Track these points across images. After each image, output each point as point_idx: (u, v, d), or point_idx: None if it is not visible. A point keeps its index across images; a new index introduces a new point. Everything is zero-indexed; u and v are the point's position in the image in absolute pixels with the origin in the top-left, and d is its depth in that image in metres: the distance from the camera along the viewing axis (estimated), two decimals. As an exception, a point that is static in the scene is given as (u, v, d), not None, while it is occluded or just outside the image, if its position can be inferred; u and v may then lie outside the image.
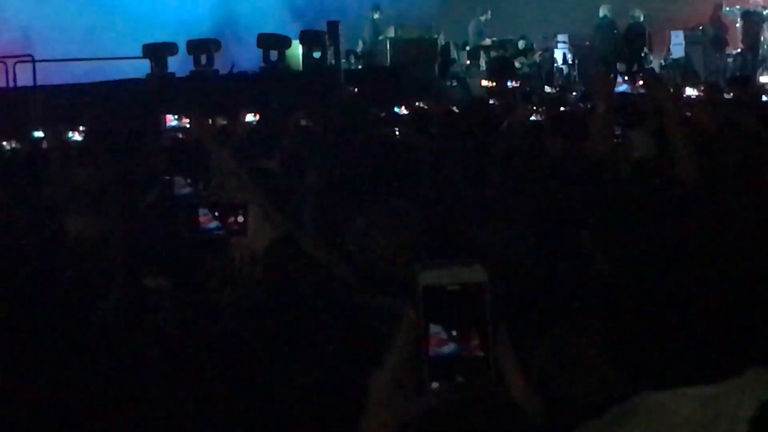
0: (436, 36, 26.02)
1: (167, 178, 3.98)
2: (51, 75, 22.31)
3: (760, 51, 27.31)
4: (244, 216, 3.67)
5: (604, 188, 5.38)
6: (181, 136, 9.64)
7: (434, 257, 1.91)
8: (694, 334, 3.51)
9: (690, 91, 15.83)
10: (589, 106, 8.03)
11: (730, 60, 26.71)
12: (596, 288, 3.89)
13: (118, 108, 17.52)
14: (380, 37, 26.28)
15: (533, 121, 9.94)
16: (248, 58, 24.37)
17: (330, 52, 23.71)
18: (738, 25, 27.26)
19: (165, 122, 9.85)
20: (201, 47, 23.13)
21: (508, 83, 22.11)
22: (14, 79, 21.61)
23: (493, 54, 26.42)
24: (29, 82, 21.25)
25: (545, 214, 5.00)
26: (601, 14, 26.70)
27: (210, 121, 10.53)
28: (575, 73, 26.95)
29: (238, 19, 27.18)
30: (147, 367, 3.91)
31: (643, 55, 26.45)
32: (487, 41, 27.13)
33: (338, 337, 3.58)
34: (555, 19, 28.41)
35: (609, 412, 1.85)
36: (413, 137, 9.09)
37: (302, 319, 3.77)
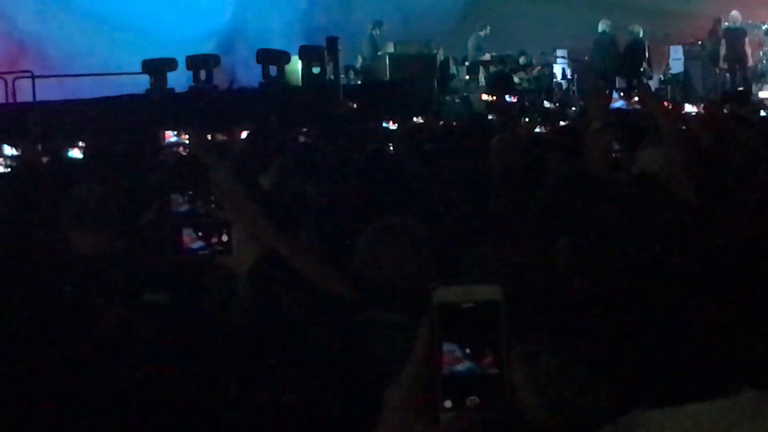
0: (435, 51, 26.04)
1: (166, 194, 3.98)
2: (50, 91, 22.34)
3: (759, 66, 27.37)
4: (228, 235, 3.67)
5: (601, 204, 5.40)
6: (181, 151, 9.66)
7: (436, 275, 1.92)
8: (690, 351, 3.52)
9: (689, 108, 15.87)
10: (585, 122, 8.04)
11: (727, 75, 26.73)
12: (588, 306, 3.90)
13: (117, 124, 17.54)
14: (379, 53, 26.31)
15: (532, 136, 9.96)
16: (247, 73, 24.46)
17: (329, 68, 23.75)
18: (746, 40, 27.29)
19: (164, 138, 9.86)
20: (200, 63, 23.16)
21: (507, 98, 22.16)
22: (13, 95, 21.63)
23: (492, 69, 26.45)
24: (29, 98, 21.27)
25: (541, 232, 5.01)
26: (600, 29, 26.72)
27: (209, 136, 10.56)
28: (574, 88, 26.98)
29: (237, 35, 27.25)
30: (142, 380, 3.92)
31: (642, 70, 26.46)
32: (487, 56, 27.15)
33: (331, 354, 3.58)
34: (554, 34, 28.45)
35: (603, 429, 1.86)
36: (407, 154, 9.11)
37: (290, 337, 3.78)
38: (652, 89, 24.77)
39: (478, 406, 1.76)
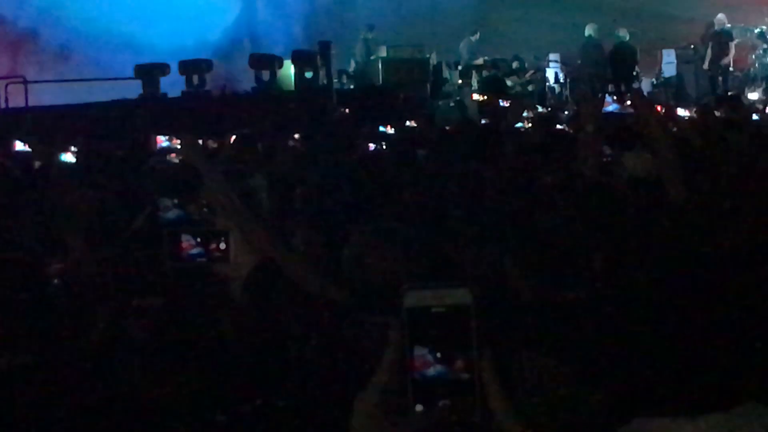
0: (428, 56, 26.05)
1: (156, 200, 3.99)
2: (42, 96, 22.33)
3: (751, 69, 27.39)
4: (225, 242, 3.67)
5: (594, 208, 5.39)
6: (173, 157, 9.64)
7: (424, 277, 1.91)
8: (683, 359, 3.51)
9: (682, 112, 15.86)
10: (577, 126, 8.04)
11: (719, 79, 26.72)
12: (586, 311, 3.89)
13: (110, 129, 17.51)
14: (372, 57, 26.32)
15: (525, 139, 9.95)
16: (240, 78, 24.46)
17: (322, 72, 23.74)
18: (731, 43, 27.32)
19: (155, 143, 9.85)
20: (193, 68, 23.14)
21: (500, 102, 22.15)
22: (6, 101, 21.60)
23: (485, 73, 26.45)
24: (21, 104, 21.25)
25: (535, 236, 5.01)
26: (586, 34, 26.70)
27: (201, 141, 10.54)
28: (567, 92, 26.98)
29: (229, 40, 27.26)
30: (133, 385, 3.91)
31: (635, 74, 26.45)
32: (480, 60, 27.16)
33: (325, 359, 3.58)
34: (547, 38, 28.47)
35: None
36: (401, 157, 9.10)
37: (286, 343, 3.77)
38: (644, 93, 24.78)
39: (449, 410, 1.76)
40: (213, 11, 27.85)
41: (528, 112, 17.00)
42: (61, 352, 4.19)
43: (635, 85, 25.69)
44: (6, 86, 21.60)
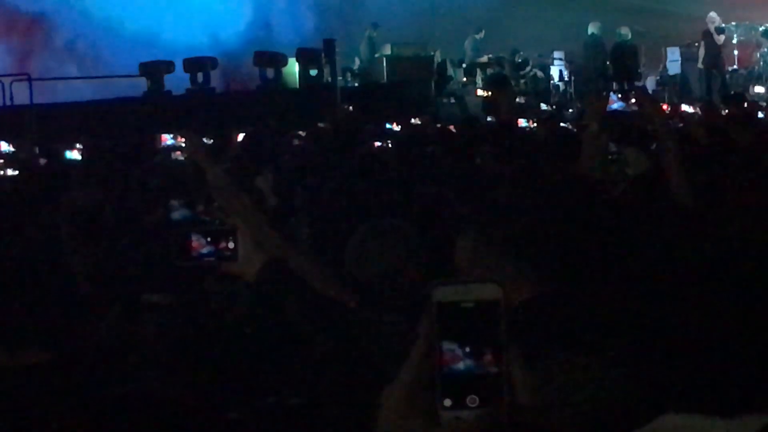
0: (432, 53, 26.07)
1: (167, 199, 4.00)
2: (47, 93, 22.37)
3: (756, 67, 27.37)
4: (234, 241, 3.68)
5: (597, 206, 5.40)
6: (178, 155, 9.66)
7: (427, 275, 1.92)
8: (694, 355, 3.53)
9: (686, 108, 15.87)
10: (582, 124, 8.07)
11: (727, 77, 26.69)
12: (598, 309, 3.91)
13: (115, 127, 17.54)
14: (377, 55, 26.33)
15: (529, 135, 9.97)
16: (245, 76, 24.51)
17: (326, 70, 23.75)
18: (734, 41, 27.31)
19: (160, 141, 9.87)
20: (197, 65, 23.14)
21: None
22: (11, 98, 21.63)
23: (489, 71, 26.46)
24: (26, 101, 21.28)
25: (538, 233, 5.01)
26: (589, 32, 26.69)
27: (205, 139, 10.57)
28: (571, 90, 26.98)
29: (234, 38, 27.27)
30: (142, 381, 3.93)
31: (639, 72, 26.44)
32: (484, 58, 27.17)
33: (336, 357, 3.59)
34: (552, 36, 28.47)
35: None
36: (407, 154, 9.12)
37: (297, 341, 3.79)
38: (648, 91, 24.78)
39: (477, 405, 1.77)
40: (226, 12, 27.87)
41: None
42: (69, 349, 4.21)
43: (639, 83, 25.68)
44: (11, 83, 21.61)
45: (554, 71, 27.90)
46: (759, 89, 25.34)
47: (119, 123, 18.41)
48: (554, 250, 4.48)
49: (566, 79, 27.59)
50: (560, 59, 28.08)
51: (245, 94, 23.31)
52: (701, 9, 27.36)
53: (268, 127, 13.51)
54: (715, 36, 26.13)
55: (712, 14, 26.37)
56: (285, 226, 6.17)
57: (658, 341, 3.46)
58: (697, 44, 27.45)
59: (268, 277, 3.68)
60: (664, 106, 10.80)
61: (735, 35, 27.41)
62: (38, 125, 18.97)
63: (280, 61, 23.57)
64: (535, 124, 13.89)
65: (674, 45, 28.11)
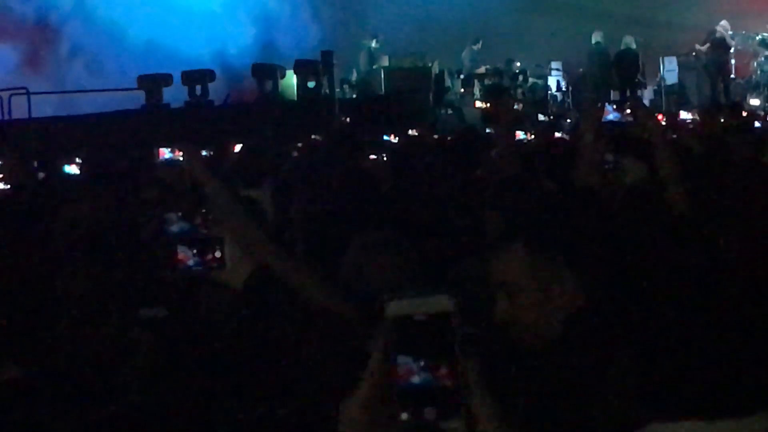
0: (430, 64, 26.06)
1: (163, 212, 4.00)
2: (46, 107, 22.37)
3: (753, 76, 27.38)
4: (221, 251, 3.69)
5: (593, 216, 5.41)
6: (176, 168, 9.62)
7: (423, 286, 1.91)
8: (688, 362, 3.53)
9: (685, 115, 15.85)
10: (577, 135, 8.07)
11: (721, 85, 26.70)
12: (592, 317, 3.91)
13: (114, 140, 17.53)
14: (375, 66, 26.33)
15: (525, 147, 9.96)
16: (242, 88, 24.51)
17: (324, 82, 23.76)
18: (732, 50, 27.31)
19: (159, 155, 9.85)
20: (196, 78, 23.13)
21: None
22: (9, 112, 21.62)
23: (487, 82, 26.46)
24: (24, 115, 21.28)
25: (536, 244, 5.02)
26: (593, 41, 26.73)
27: (204, 152, 10.56)
28: (569, 100, 26.98)
29: (233, 49, 27.29)
30: (132, 397, 3.94)
31: (636, 81, 26.46)
32: (482, 69, 27.17)
33: (324, 368, 3.59)
34: (549, 46, 28.47)
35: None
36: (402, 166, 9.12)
37: (284, 351, 3.78)
38: (647, 100, 24.78)
39: (435, 417, 1.77)
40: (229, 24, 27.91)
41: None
42: (63, 362, 4.21)
43: (638, 93, 25.69)
44: (9, 97, 21.61)
45: (552, 81, 27.91)
46: (754, 102, 25.34)
47: (117, 136, 18.40)
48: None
49: (564, 89, 27.59)
50: (558, 69, 28.10)
51: (243, 107, 23.29)
52: (698, 18, 27.37)
53: (266, 140, 13.51)
54: (728, 40, 26.18)
55: (724, 23, 26.41)
56: (283, 239, 6.17)
57: (650, 348, 3.47)
58: (695, 53, 27.45)
59: (256, 286, 3.69)
60: (660, 116, 10.78)
61: (732, 44, 27.40)
62: (37, 139, 18.96)
63: (277, 73, 23.57)
64: (533, 136, 13.88)
65: (671, 54, 28.10)
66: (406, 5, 29.50)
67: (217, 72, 23.89)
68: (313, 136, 14.12)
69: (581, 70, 27.23)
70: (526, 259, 3.61)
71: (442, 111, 25.48)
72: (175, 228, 3.76)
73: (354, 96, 26.13)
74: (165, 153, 9.72)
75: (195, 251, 3.70)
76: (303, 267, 4.58)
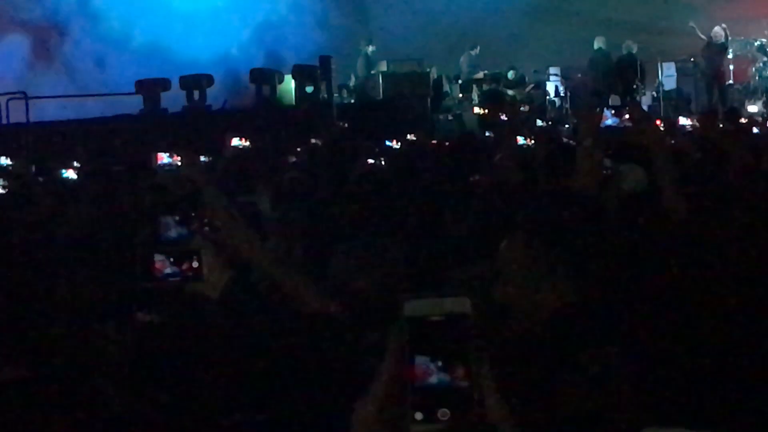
0: (428, 70, 26.07)
1: (158, 216, 3.99)
2: (43, 112, 22.40)
3: (751, 82, 27.41)
4: (198, 260, 3.68)
5: (591, 222, 5.41)
6: (173, 173, 9.63)
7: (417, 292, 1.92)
8: (684, 367, 3.53)
9: (684, 121, 15.86)
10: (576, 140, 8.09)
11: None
12: (588, 322, 3.91)
13: (111, 145, 17.53)
14: (372, 71, 26.34)
15: (523, 153, 9.95)
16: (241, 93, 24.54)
17: (322, 87, 23.77)
18: (730, 56, 27.34)
19: (156, 160, 9.86)
20: (194, 83, 23.16)
21: (501, 116, 22.15)
22: (6, 117, 21.64)
23: (485, 87, 26.48)
24: (22, 119, 21.30)
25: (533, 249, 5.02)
26: (595, 46, 26.75)
27: (201, 157, 10.58)
28: (567, 106, 26.99)
29: (230, 55, 27.31)
30: (137, 402, 3.92)
31: (635, 87, 26.48)
32: (480, 74, 27.19)
33: (308, 373, 3.59)
34: (547, 52, 28.50)
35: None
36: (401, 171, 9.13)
37: (264, 357, 3.78)
38: (645, 106, 24.79)
39: (448, 418, 1.77)
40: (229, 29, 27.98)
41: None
42: (56, 366, 4.20)
43: (637, 98, 25.71)
44: (7, 101, 21.63)
45: (550, 87, 27.93)
46: (752, 108, 25.36)
47: (115, 141, 18.40)
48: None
49: (562, 94, 27.61)
50: (556, 75, 28.11)
51: (241, 112, 23.30)
52: (697, 24, 27.37)
53: (264, 144, 13.51)
54: (724, 41, 26.23)
55: (717, 29, 26.42)
56: (280, 243, 6.17)
57: (647, 353, 3.46)
58: (693, 59, 27.48)
59: (232, 295, 3.70)
60: (658, 122, 10.81)
61: (730, 50, 27.42)
62: (34, 144, 18.98)
63: (276, 78, 23.59)
64: (533, 141, 13.88)
65: (669, 60, 28.12)
66: (405, 11, 29.51)
67: (217, 77, 23.91)
68: (313, 141, 14.13)
69: (579, 75, 27.24)
70: (524, 249, 3.76)
71: (441, 116, 25.48)
72: (171, 233, 3.76)
73: (352, 101, 26.15)
74: (163, 158, 9.74)
75: (172, 260, 3.69)
76: (298, 270, 4.58)
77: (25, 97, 21.68)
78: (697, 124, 14.41)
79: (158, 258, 3.70)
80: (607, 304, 4.00)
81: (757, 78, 27.35)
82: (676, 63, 27.96)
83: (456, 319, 1.79)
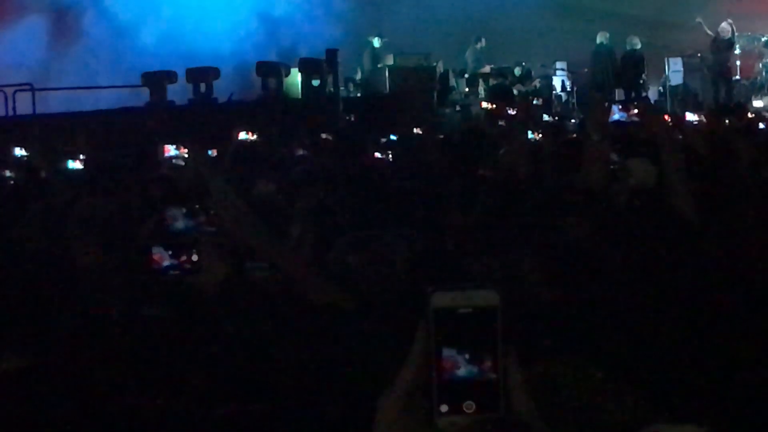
0: (434, 64, 26.06)
1: (164, 209, 3.98)
2: (50, 103, 22.43)
3: (758, 78, 27.39)
4: (197, 253, 3.67)
5: (598, 217, 5.40)
6: (181, 164, 9.64)
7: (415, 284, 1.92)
8: (689, 365, 3.53)
9: (691, 117, 15.82)
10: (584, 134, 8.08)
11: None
12: (589, 319, 3.90)
13: (118, 137, 17.55)
14: (379, 65, 26.32)
15: (531, 147, 9.94)
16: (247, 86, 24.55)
17: (329, 80, 23.76)
18: (737, 51, 27.31)
19: (163, 152, 9.86)
20: (200, 75, 23.15)
21: (507, 110, 22.12)
22: (14, 108, 21.65)
23: (491, 81, 26.47)
24: (28, 111, 21.31)
25: (539, 245, 5.02)
26: (597, 41, 26.72)
27: (208, 150, 10.57)
28: (574, 100, 26.98)
29: (238, 47, 27.32)
30: (141, 393, 3.92)
31: (641, 82, 26.46)
32: (486, 68, 27.18)
33: (342, 360, 3.59)
34: (553, 46, 28.49)
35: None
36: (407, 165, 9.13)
37: (263, 350, 3.78)
38: (651, 101, 24.79)
39: (474, 411, 1.77)
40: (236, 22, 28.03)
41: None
42: (62, 355, 4.21)
43: (643, 94, 25.71)
44: (14, 93, 21.64)
45: (557, 81, 27.92)
46: (758, 103, 25.35)
47: (122, 133, 18.42)
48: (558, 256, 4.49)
49: (569, 89, 27.60)
50: (563, 69, 28.10)
51: (247, 105, 23.29)
52: (704, 19, 27.33)
53: (270, 137, 13.52)
54: (731, 37, 26.20)
55: (724, 25, 26.38)
56: (288, 235, 6.17)
57: (655, 350, 3.46)
58: (699, 54, 27.46)
59: (230, 289, 3.69)
60: (666, 117, 10.80)
61: (737, 46, 27.40)
62: (41, 135, 18.98)
63: (282, 71, 23.58)
64: (540, 135, 13.86)
65: (676, 55, 28.10)
66: (411, 5, 29.50)
67: (223, 69, 23.92)
68: (322, 135, 14.12)
69: (586, 70, 27.23)
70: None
71: (447, 110, 25.47)
72: (178, 225, 3.75)
73: (358, 95, 26.14)
74: (169, 150, 9.75)
75: (170, 253, 3.68)
76: (306, 262, 4.58)
77: (31, 88, 21.69)
78: (704, 120, 14.37)
79: (156, 251, 3.69)
80: (612, 301, 3.99)
81: (763, 73, 27.34)
82: (683, 58, 27.94)
83: (484, 312, 1.79)
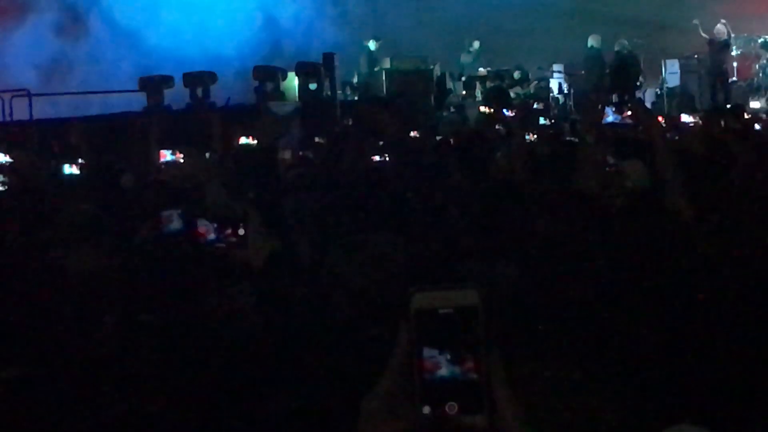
0: (432, 67, 26.07)
1: (160, 213, 3.99)
2: (47, 109, 22.43)
3: (755, 79, 27.40)
4: (244, 228, 3.69)
5: (594, 219, 5.41)
6: (176, 170, 9.64)
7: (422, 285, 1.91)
8: (683, 368, 3.53)
9: (686, 118, 15.83)
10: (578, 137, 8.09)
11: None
12: (586, 320, 3.91)
13: (114, 141, 17.54)
14: (376, 68, 26.33)
15: (527, 150, 9.93)
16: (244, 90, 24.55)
17: (326, 84, 23.76)
18: (733, 53, 27.32)
19: (159, 157, 9.86)
20: (197, 80, 23.14)
21: (505, 112, 22.15)
22: (10, 114, 21.64)
23: (488, 84, 26.47)
24: (25, 116, 21.31)
25: (535, 246, 5.02)
26: (588, 44, 26.72)
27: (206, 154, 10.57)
28: (571, 103, 26.98)
29: (234, 52, 27.32)
30: (140, 395, 3.93)
31: (639, 84, 26.46)
32: (483, 72, 27.19)
33: (334, 361, 3.59)
34: (551, 48, 28.50)
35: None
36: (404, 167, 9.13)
37: (298, 343, 3.78)
38: (648, 103, 24.79)
39: (457, 412, 1.77)
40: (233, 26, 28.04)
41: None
42: (62, 362, 4.21)
43: (639, 94, 25.71)
44: (11, 99, 21.64)
45: (553, 84, 27.92)
46: (755, 104, 25.37)
47: (119, 138, 18.40)
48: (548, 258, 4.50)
49: (566, 91, 27.60)
50: (560, 72, 28.10)
51: (244, 109, 23.28)
52: (701, 21, 27.35)
53: (267, 142, 13.47)
54: (727, 38, 26.20)
55: (719, 26, 26.40)
56: (286, 239, 6.16)
57: (658, 354, 3.45)
58: (696, 56, 27.48)
59: (275, 265, 3.69)
60: (661, 119, 10.81)
61: (734, 47, 27.41)
62: (38, 140, 18.98)
63: (279, 75, 23.57)
64: (536, 137, 13.87)
65: (673, 57, 28.11)
66: (408, 8, 29.51)
67: (221, 74, 23.93)
68: (317, 139, 14.12)
69: (583, 72, 27.24)
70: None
71: (444, 113, 25.47)
72: (173, 227, 3.76)
73: (355, 98, 26.14)
74: (166, 155, 9.75)
75: (216, 226, 3.70)
76: (302, 264, 4.58)
77: (28, 94, 21.69)
78: (700, 122, 14.38)
79: (202, 224, 3.70)
80: (611, 302, 4.00)
81: (760, 75, 27.36)
82: (679, 60, 27.95)
83: (465, 311, 1.78)
